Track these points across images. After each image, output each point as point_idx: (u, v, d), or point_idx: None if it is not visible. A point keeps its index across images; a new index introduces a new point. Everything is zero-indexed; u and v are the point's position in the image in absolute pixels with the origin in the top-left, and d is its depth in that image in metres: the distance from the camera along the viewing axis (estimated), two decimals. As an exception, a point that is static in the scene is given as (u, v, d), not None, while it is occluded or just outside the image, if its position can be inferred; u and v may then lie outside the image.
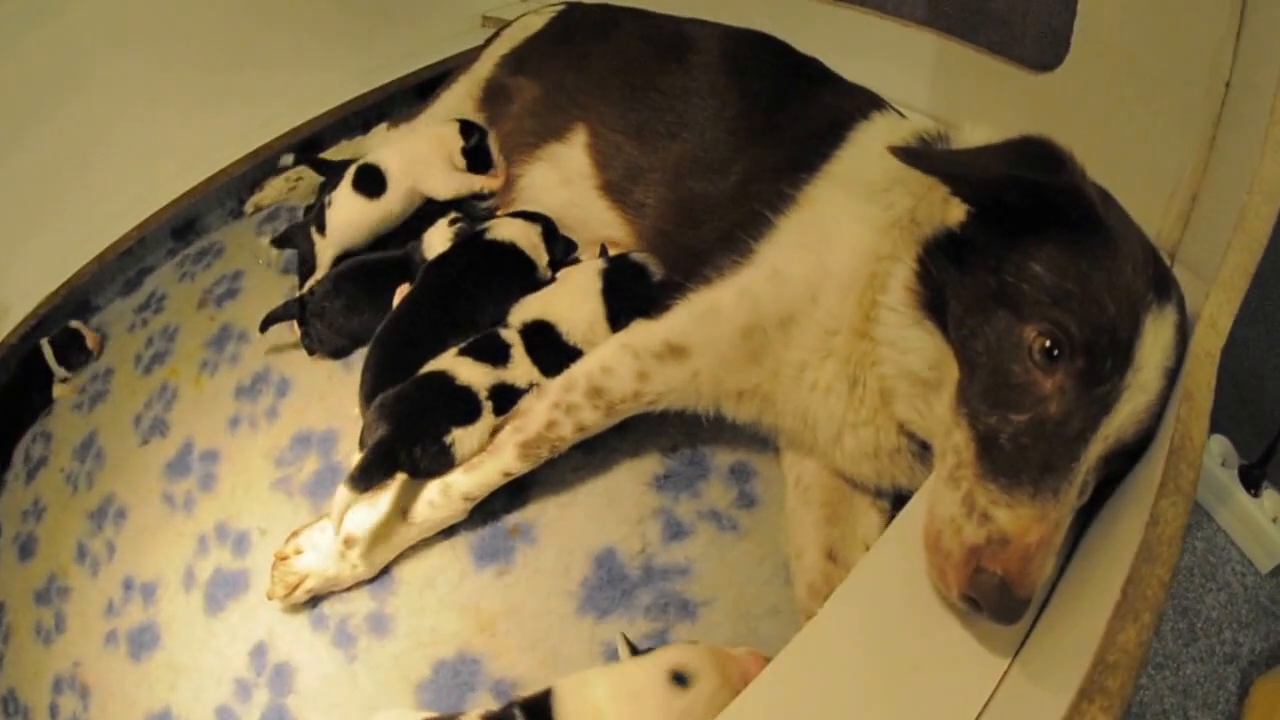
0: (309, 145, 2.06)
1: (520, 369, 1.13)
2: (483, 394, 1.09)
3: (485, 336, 1.19)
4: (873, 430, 0.98)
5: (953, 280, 0.83)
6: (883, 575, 0.82)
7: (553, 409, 1.04)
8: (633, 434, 1.17)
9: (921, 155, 0.86)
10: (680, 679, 0.85)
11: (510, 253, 1.32)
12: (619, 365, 1.03)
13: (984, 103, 1.63)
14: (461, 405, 1.07)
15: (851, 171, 1.04)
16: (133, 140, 1.88)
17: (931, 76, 1.68)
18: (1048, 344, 0.73)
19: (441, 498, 1.07)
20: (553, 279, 1.32)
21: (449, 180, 1.55)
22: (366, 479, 1.02)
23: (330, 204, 1.52)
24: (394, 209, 1.55)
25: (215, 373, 1.61)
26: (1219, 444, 1.42)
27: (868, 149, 1.05)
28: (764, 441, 1.17)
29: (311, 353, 1.53)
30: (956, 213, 0.89)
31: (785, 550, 1.06)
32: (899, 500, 1.06)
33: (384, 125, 1.88)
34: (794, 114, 1.19)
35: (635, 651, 0.92)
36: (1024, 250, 0.77)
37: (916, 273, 0.87)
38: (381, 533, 1.09)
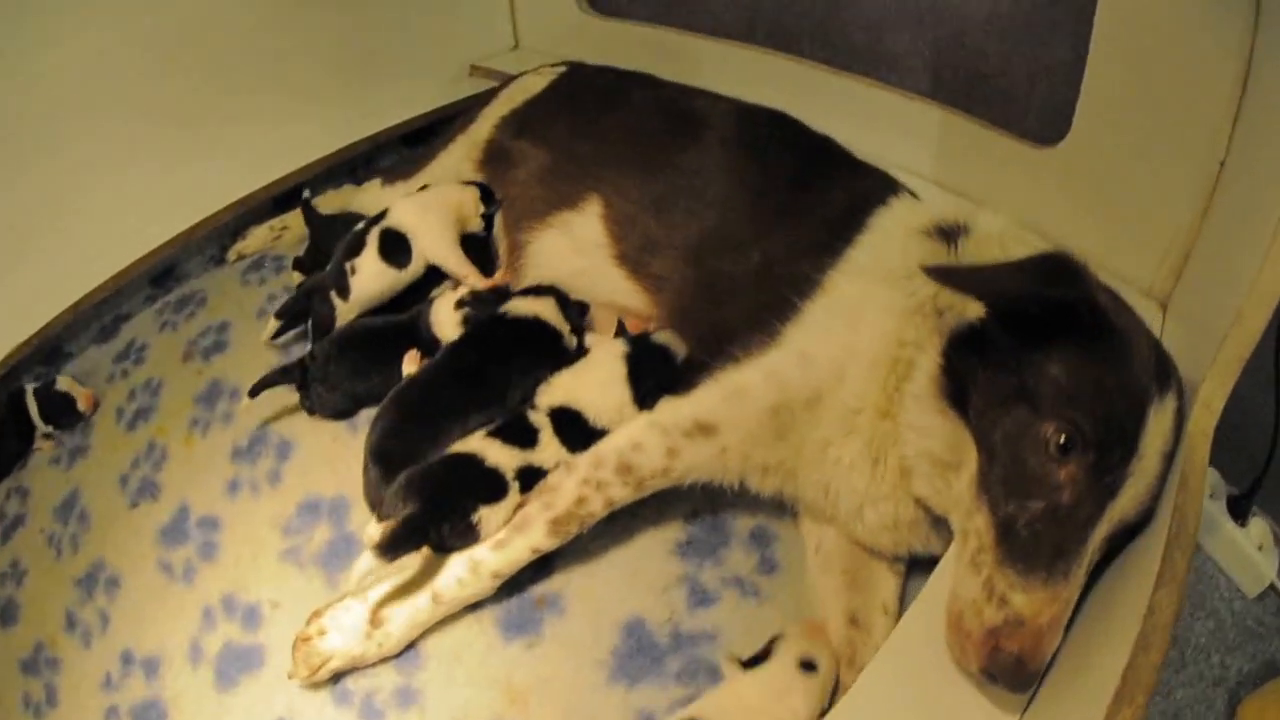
0: (294, 195, 2.04)
1: (548, 450, 1.16)
2: (510, 475, 1.12)
3: (514, 419, 1.21)
4: (892, 504, 1.04)
5: (974, 373, 0.91)
6: (910, 648, 0.91)
7: (582, 485, 1.07)
8: (654, 501, 1.18)
9: (953, 274, 0.93)
10: (808, 665, 0.98)
11: (535, 326, 1.36)
12: (648, 443, 1.07)
13: (987, 175, 1.66)
14: (489, 485, 1.11)
15: (873, 258, 1.10)
16: (112, 187, 1.82)
17: (935, 148, 1.71)
18: (1063, 439, 0.81)
19: (470, 575, 1.09)
20: (579, 347, 1.36)
21: (455, 256, 1.57)
22: (395, 551, 1.03)
23: (355, 271, 1.53)
24: (412, 277, 1.57)
25: (207, 432, 1.59)
26: (1208, 475, 1.47)
27: (888, 234, 1.12)
28: (782, 506, 1.21)
29: (311, 413, 1.54)
30: (976, 305, 0.98)
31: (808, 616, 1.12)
32: (913, 562, 1.15)
33: (378, 181, 1.89)
34: (814, 197, 1.25)
35: (747, 664, 1.00)
36: (1043, 353, 0.85)
37: (941, 366, 0.95)
38: (409, 612, 1.11)
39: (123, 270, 1.82)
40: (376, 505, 1.23)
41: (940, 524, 1.03)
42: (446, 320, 1.48)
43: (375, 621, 1.10)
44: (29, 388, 1.64)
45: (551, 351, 1.35)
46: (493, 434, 1.18)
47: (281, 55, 2.02)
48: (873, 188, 1.24)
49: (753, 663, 1.02)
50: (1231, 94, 1.16)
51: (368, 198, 1.88)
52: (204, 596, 1.33)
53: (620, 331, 1.36)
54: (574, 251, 1.44)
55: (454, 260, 1.56)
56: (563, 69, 1.82)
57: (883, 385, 1.01)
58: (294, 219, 2.00)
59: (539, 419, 1.20)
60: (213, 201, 1.94)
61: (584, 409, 1.20)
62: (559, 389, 1.24)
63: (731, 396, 1.06)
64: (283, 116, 2.05)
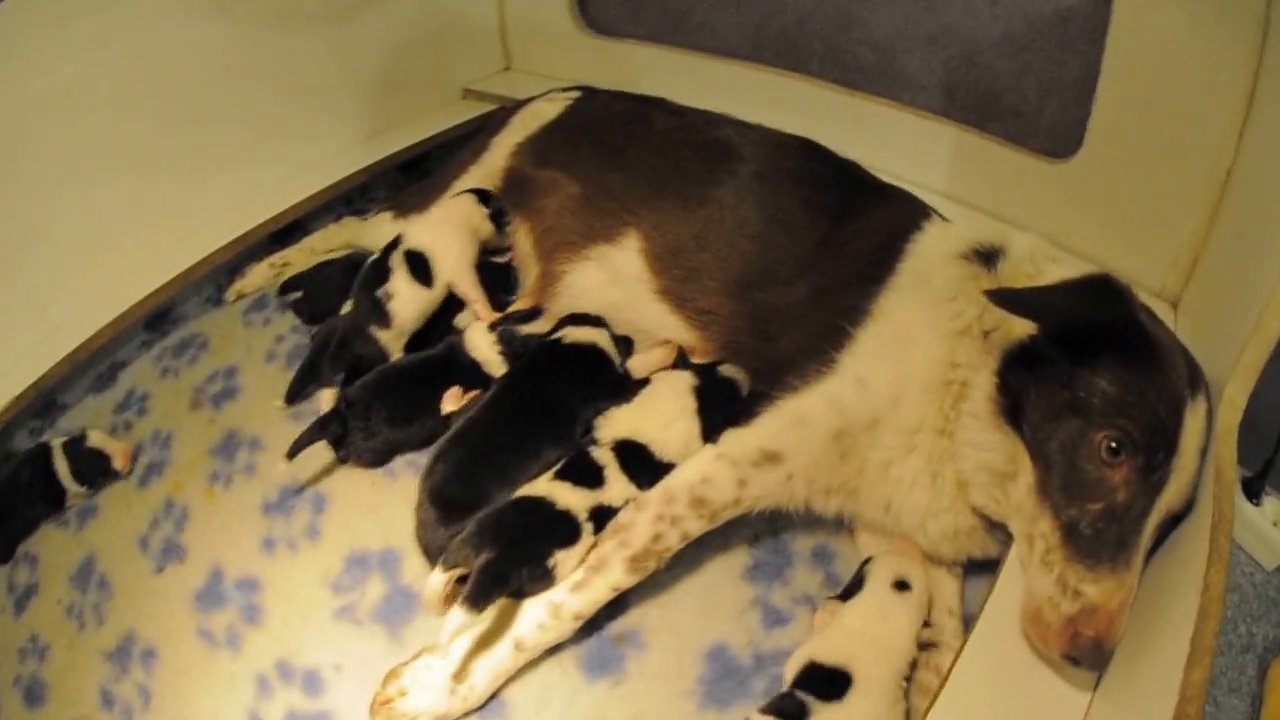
0: (292, 230, 1.97)
1: (616, 488, 1.16)
2: (583, 516, 1.12)
3: (578, 458, 1.21)
4: (952, 515, 1.11)
5: (1027, 390, 0.99)
6: (991, 646, 0.98)
7: (656, 522, 1.09)
8: (718, 529, 1.18)
9: (1012, 298, 0.99)
10: (902, 585, 1.05)
11: (593, 354, 1.36)
12: (718, 475, 1.09)
13: (1001, 190, 1.71)
14: (563, 528, 1.11)
15: (916, 283, 1.15)
16: (104, 230, 1.74)
17: (950, 165, 1.77)
18: (1114, 445, 0.90)
19: (552, 619, 1.08)
20: (628, 378, 1.36)
21: (469, 279, 1.56)
22: (483, 600, 1.02)
23: (391, 296, 1.49)
24: (442, 294, 1.55)
25: (230, 486, 1.53)
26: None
27: (928, 260, 1.17)
28: (838, 523, 1.25)
29: (344, 462, 1.49)
30: (1019, 324, 1.05)
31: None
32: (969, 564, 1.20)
33: (388, 214, 1.83)
34: (853, 226, 1.29)
35: (844, 595, 1.07)
36: (1091, 368, 0.94)
37: (997, 385, 1.03)
38: (491, 662, 1.09)
39: (121, 315, 1.72)
40: (434, 552, 1.21)
41: (995, 529, 1.10)
42: (483, 344, 1.46)
43: (459, 676, 1.08)
44: (55, 444, 1.53)
45: (607, 381, 1.34)
46: (560, 476, 1.18)
47: (272, 87, 1.94)
48: (908, 214, 1.29)
49: (848, 594, 1.07)
50: (1238, 106, 1.23)
51: (378, 232, 1.81)
52: (256, 664, 1.28)
53: (684, 363, 1.35)
54: (611, 284, 1.44)
55: (467, 283, 1.55)
56: (576, 94, 1.80)
57: (938, 406, 1.07)
58: (295, 254, 1.94)
59: (603, 455, 1.19)
60: (209, 240, 1.86)
61: (650, 442, 1.19)
62: (621, 421, 1.24)
63: (794, 424, 1.09)
64: (276, 149, 1.98)
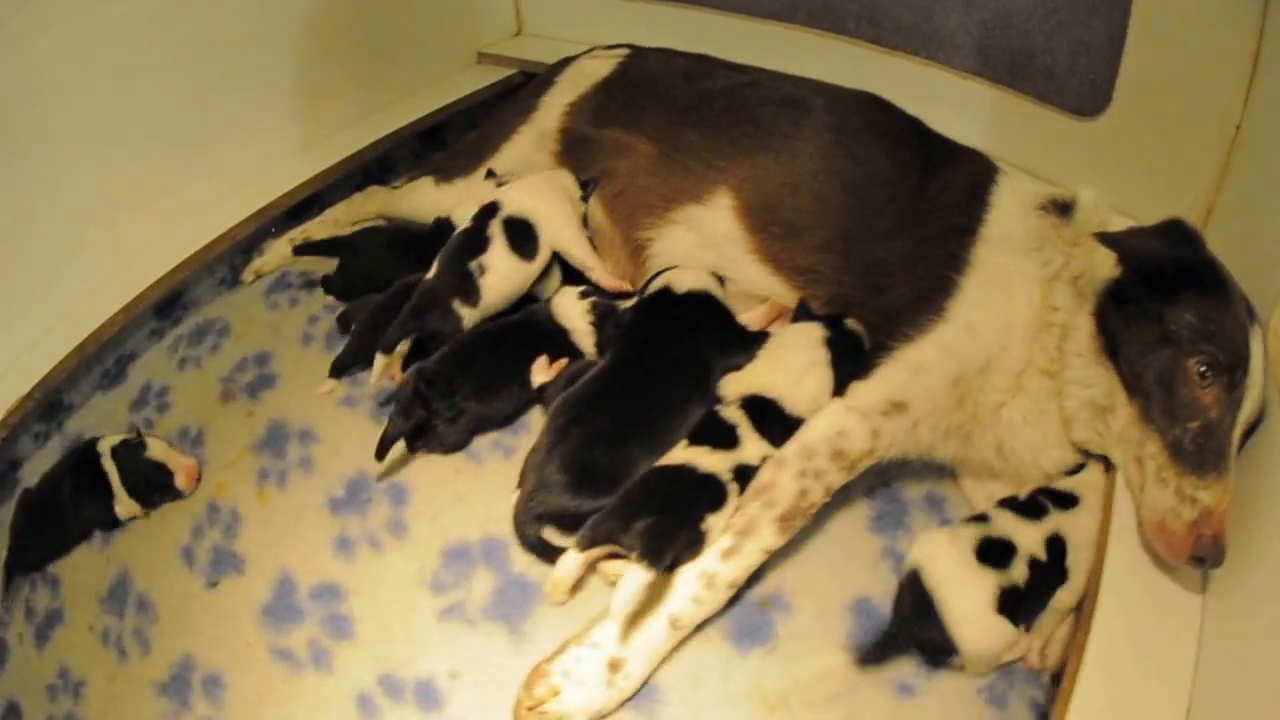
0: (309, 204, 1.78)
1: (751, 447, 1.10)
2: (727, 478, 1.07)
3: (708, 421, 1.14)
4: (1059, 452, 1.16)
5: (1120, 328, 1.08)
6: (1123, 569, 1.03)
7: (800, 478, 1.06)
8: None
9: (1112, 241, 1.08)
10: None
11: (706, 300, 1.28)
12: (851, 427, 1.09)
13: (1034, 146, 1.72)
14: (711, 492, 1.05)
15: (1003, 233, 1.19)
16: (107, 212, 1.53)
17: (986, 122, 1.77)
18: (1203, 369, 1.01)
19: (707, 590, 1.03)
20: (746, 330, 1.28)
21: (582, 243, 1.42)
22: (661, 556, 0.96)
23: (485, 270, 1.33)
24: (539, 269, 1.39)
25: (285, 484, 1.34)
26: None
27: (1009, 211, 1.22)
28: (940, 468, 1.25)
29: (415, 451, 1.33)
30: (1102, 268, 1.13)
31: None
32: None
33: (428, 180, 1.67)
34: (940, 181, 1.30)
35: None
36: (1179, 305, 1.04)
37: (1096, 325, 1.11)
38: (646, 646, 1.01)
39: (131, 302, 1.52)
40: (544, 520, 1.11)
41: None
42: (574, 312, 1.34)
43: (614, 665, 1.00)
44: (105, 446, 1.31)
45: (733, 330, 1.27)
46: (694, 442, 1.12)
47: (284, 51, 1.75)
48: (981, 168, 1.32)
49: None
50: (1245, 68, 1.31)
51: (419, 199, 1.67)
52: (353, 682, 1.11)
53: (807, 315, 1.25)
54: (704, 247, 1.38)
55: (578, 245, 1.41)
56: (624, 51, 1.68)
57: (1042, 347, 1.13)
58: (317, 228, 1.75)
59: (733, 414, 1.13)
60: (223, 216, 1.67)
61: (780, 397, 1.14)
62: (749, 377, 1.18)
63: (915, 373, 1.12)
64: (291, 117, 1.80)
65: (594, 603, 1.10)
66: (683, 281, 1.30)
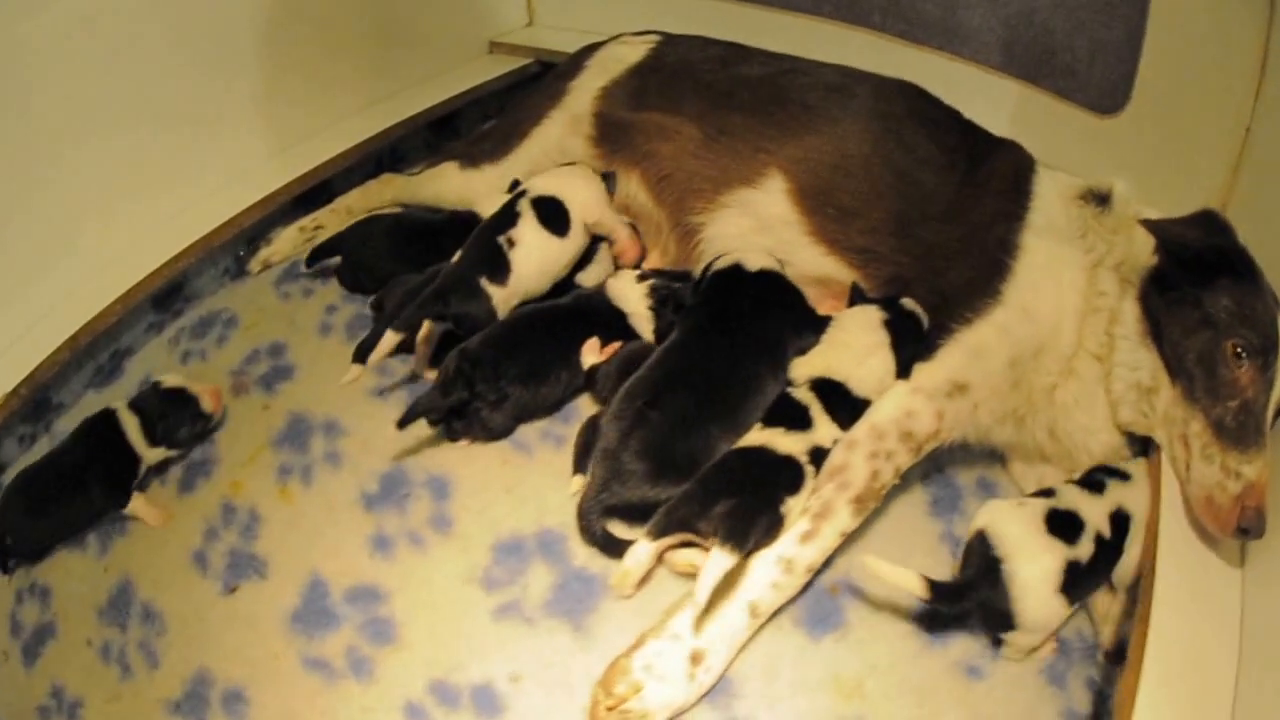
0: (318, 192, 1.68)
1: (823, 428, 1.08)
2: (804, 460, 1.04)
3: (782, 402, 1.12)
4: (1107, 434, 1.17)
5: (1162, 312, 1.12)
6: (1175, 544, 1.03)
7: (872, 459, 1.06)
8: None
9: (1159, 228, 1.12)
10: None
11: (776, 279, 1.25)
12: (918, 408, 1.09)
13: (1055, 142, 1.72)
14: (789, 474, 1.02)
15: (1047, 221, 1.23)
16: (103, 197, 1.40)
17: (1010, 116, 1.77)
18: (1239, 351, 1.04)
19: (786, 576, 1.00)
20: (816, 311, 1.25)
21: (613, 216, 1.38)
22: (744, 539, 0.94)
23: (515, 244, 1.25)
24: (573, 252, 1.32)
25: (310, 480, 1.23)
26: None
27: (1050, 200, 1.26)
28: (989, 454, 1.25)
29: (456, 439, 1.23)
30: (1141, 255, 1.17)
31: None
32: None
33: (453, 164, 1.60)
34: (987, 168, 1.32)
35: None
36: (1216, 290, 1.08)
37: (1143, 309, 1.14)
38: (726, 636, 0.96)
39: (126, 293, 1.39)
40: (610, 518, 1.04)
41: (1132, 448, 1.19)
42: (632, 295, 1.28)
43: (696, 658, 0.94)
44: (118, 407, 1.21)
45: (804, 308, 1.25)
46: (768, 424, 1.08)
47: (293, 34, 1.64)
48: (1021, 158, 1.35)
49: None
50: (1254, 71, 1.36)
51: (443, 184, 1.59)
52: (401, 691, 0.99)
53: (862, 298, 1.23)
54: (759, 230, 1.36)
55: (609, 218, 1.38)
56: (655, 37, 1.63)
57: (1091, 331, 1.16)
58: (329, 216, 1.65)
59: (803, 395, 1.11)
60: (228, 203, 1.55)
61: (847, 379, 1.13)
62: (815, 360, 1.16)
63: (974, 355, 1.13)
64: (300, 102, 1.69)
65: (660, 594, 1.03)
66: (754, 260, 1.25)
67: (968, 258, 1.21)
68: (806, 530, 1.01)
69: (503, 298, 1.23)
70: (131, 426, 1.19)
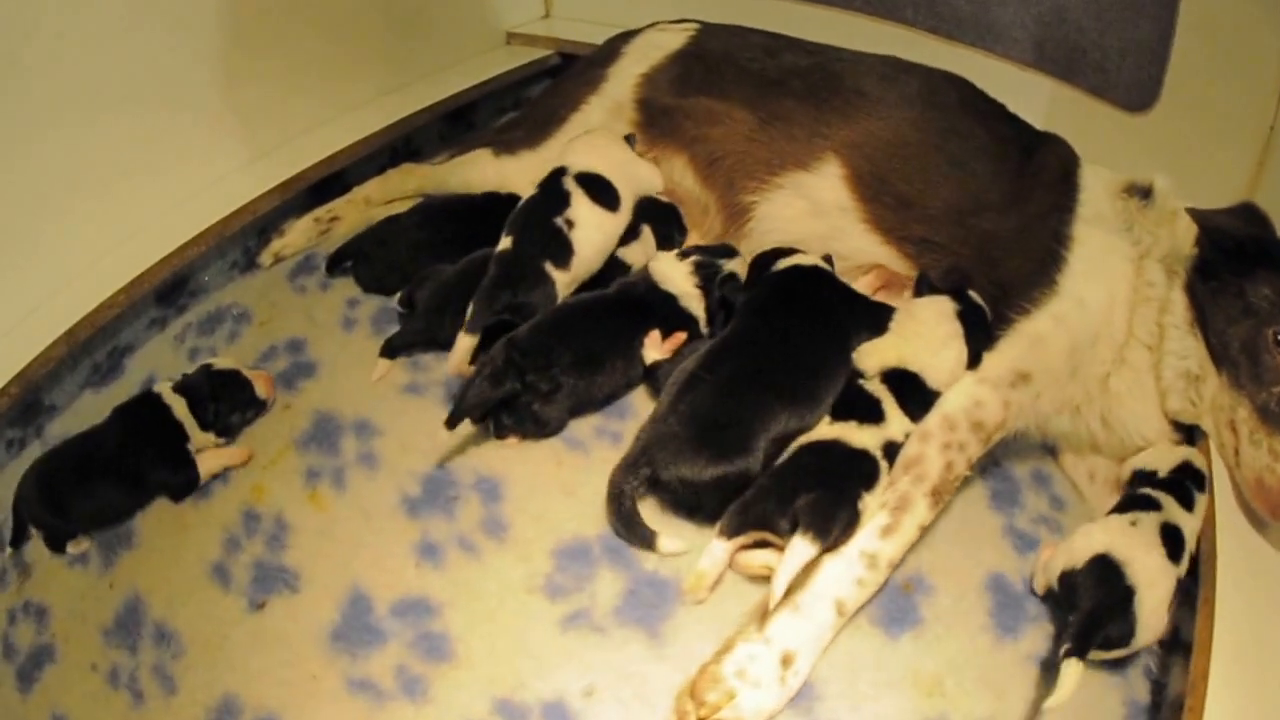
0: (331, 183, 1.58)
1: (896, 422, 1.05)
2: (878, 455, 1.01)
3: (852, 394, 1.08)
4: (1156, 422, 1.18)
5: (1207, 301, 1.13)
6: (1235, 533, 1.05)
7: (946, 451, 1.05)
8: None
9: (1204, 218, 1.15)
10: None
11: (832, 277, 1.22)
12: (985, 398, 1.09)
13: (1087, 137, 1.71)
14: (864, 468, 1.00)
15: (1095, 212, 1.24)
16: (104, 183, 1.30)
17: (1043, 112, 1.77)
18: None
19: (870, 572, 0.97)
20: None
21: (648, 168, 1.38)
22: (827, 533, 0.91)
23: (574, 224, 1.18)
24: (625, 222, 1.28)
25: (342, 484, 1.12)
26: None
27: (1096, 193, 1.27)
28: (1043, 447, 1.24)
29: (503, 437, 1.13)
30: (1184, 246, 1.19)
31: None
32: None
33: (485, 151, 1.52)
34: (1037, 160, 1.34)
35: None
36: (1257, 280, 1.10)
37: (1189, 299, 1.16)
38: (812, 636, 0.92)
39: (127, 286, 1.28)
40: (643, 490, 1.01)
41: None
42: (676, 275, 1.22)
43: (786, 660, 0.90)
44: (161, 389, 1.13)
45: (864, 303, 1.22)
46: (839, 417, 1.05)
47: (306, 16, 1.57)
48: (1066, 152, 1.36)
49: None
50: (1276, 72, 1.40)
51: (475, 171, 1.51)
52: (459, 711, 0.89)
53: (930, 288, 1.21)
54: (812, 214, 1.35)
55: (647, 170, 1.38)
56: (694, 25, 1.60)
57: (1141, 320, 1.18)
58: (346, 207, 1.55)
59: (875, 387, 1.08)
60: (237, 192, 1.45)
61: (922, 369, 1.10)
62: (886, 350, 1.13)
63: (1034, 345, 1.13)
64: (313, 88, 1.61)
65: (733, 596, 0.97)
66: (807, 259, 1.23)
67: (1023, 249, 1.22)
68: (886, 524, 0.99)
69: (565, 282, 1.17)
70: (179, 407, 1.10)
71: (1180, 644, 0.96)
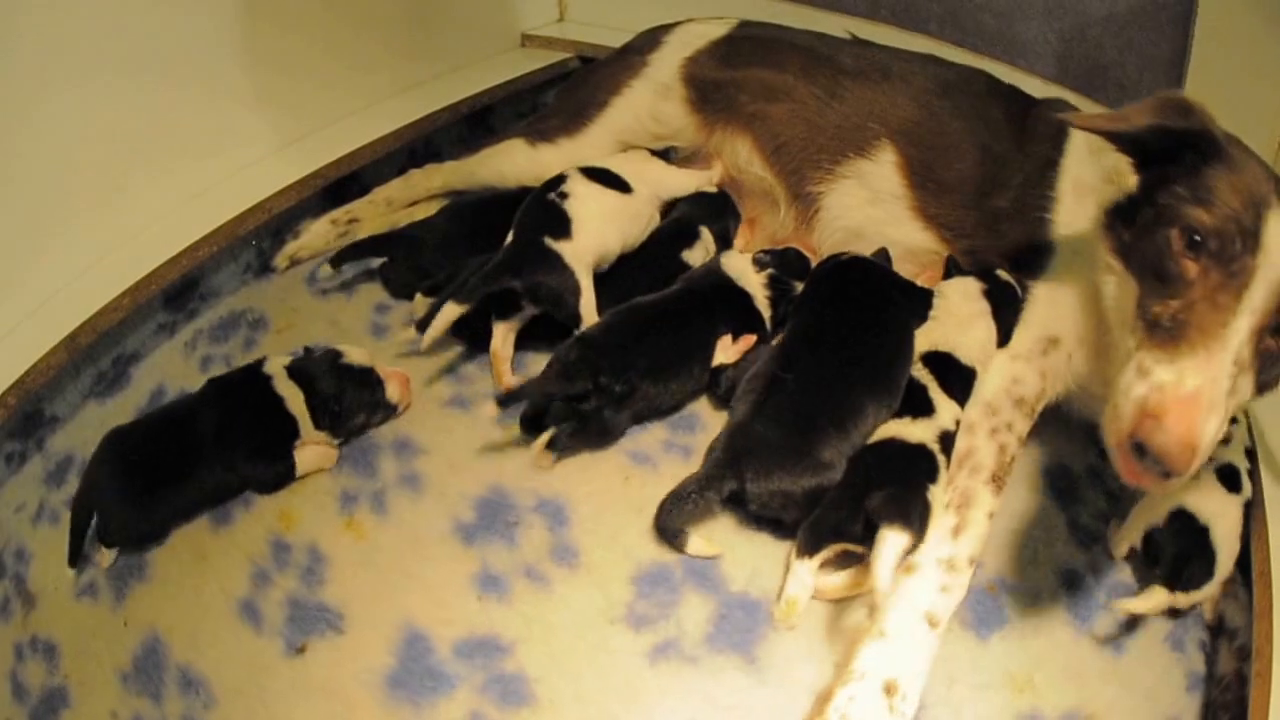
0: (348, 185, 1.48)
1: (945, 411, 1.03)
2: (936, 448, 0.99)
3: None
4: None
5: (1127, 225, 1.01)
6: None
7: (994, 435, 1.04)
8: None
9: (1087, 120, 1.07)
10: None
11: (875, 268, 1.19)
12: (1023, 372, 1.09)
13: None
14: (925, 463, 0.97)
15: (1077, 174, 1.20)
16: (109, 180, 1.19)
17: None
18: (1186, 237, 0.88)
19: (950, 574, 0.92)
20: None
21: (682, 176, 1.33)
22: (922, 523, 0.90)
23: (567, 195, 1.13)
24: (643, 211, 1.22)
25: (382, 509, 1.01)
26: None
27: (1080, 152, 1.23)
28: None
29: (559, 449, 1.04)
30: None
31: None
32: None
33: (520, 140, 1.44)
34: (1030, 125, 1.32)
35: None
36: (1169, 178, 0.94)
37: (1107, 235, 1.03)
38: (914, 658, 0.87)
39: (133, 287, 1.16)
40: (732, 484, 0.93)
41: None
42: (748, 276, 1.17)
43: (890, 689, 0.84)
44: (274, 372, 1.02)
45: (914, 290, 1.20)
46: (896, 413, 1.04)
47: (325, 8, 1.47)
48: (1052, 114, 1.33)
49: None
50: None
51: (509, 161, 1.43)
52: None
53: (959, 270, 1.21)
54: (870, 202, 1.32)
55: (688, 177, 1.34)
56: (732, 20, 1.54)
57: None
58: (366, 208, 1.44)
59: (920, 375, 1.07)
60: (253, 188, 1.34)
61: (954, 347, 1.10)
62: (922, 335, 1.13)
63: (1054, 306, 1.13)
64: (331, 80, 1.50)
65: (830, 609, 0.93)
66: (846, 254, 1.23)
67: (1022, 218, 1.22)
68: (954, 524, 0.96)
69: (574, 254, 1.09)
70: (295, 400, 1.00)
71: (1224, 629, 1.00)
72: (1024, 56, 1.90)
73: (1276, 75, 1.42)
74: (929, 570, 0.91)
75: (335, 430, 1.03)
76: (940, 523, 0.94)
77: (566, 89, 1.59)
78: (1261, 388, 0.88)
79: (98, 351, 1.15)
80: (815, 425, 0.95)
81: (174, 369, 1.20)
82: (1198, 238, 0.86)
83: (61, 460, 1.07)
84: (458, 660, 0.87)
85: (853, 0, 1.96)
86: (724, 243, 1.30)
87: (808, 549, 0.90)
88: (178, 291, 1.26)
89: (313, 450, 1.02)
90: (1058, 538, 1.07)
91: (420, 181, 1.48)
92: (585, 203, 1.15)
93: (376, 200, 1.45)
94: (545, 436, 1.00)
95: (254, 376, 1.02)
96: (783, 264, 1.19)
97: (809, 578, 0.90)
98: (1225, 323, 0.82)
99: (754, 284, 1.16)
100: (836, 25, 1.90)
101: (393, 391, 1.06)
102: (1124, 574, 1.03)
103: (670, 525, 0.94)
